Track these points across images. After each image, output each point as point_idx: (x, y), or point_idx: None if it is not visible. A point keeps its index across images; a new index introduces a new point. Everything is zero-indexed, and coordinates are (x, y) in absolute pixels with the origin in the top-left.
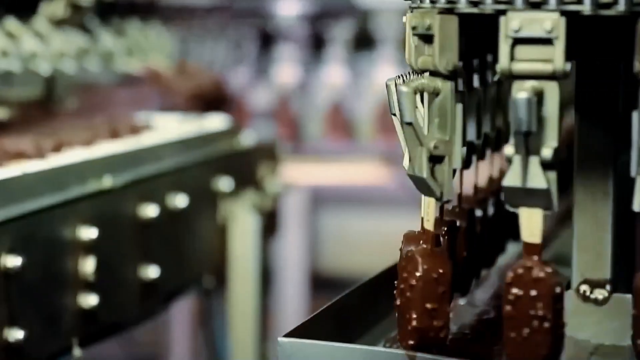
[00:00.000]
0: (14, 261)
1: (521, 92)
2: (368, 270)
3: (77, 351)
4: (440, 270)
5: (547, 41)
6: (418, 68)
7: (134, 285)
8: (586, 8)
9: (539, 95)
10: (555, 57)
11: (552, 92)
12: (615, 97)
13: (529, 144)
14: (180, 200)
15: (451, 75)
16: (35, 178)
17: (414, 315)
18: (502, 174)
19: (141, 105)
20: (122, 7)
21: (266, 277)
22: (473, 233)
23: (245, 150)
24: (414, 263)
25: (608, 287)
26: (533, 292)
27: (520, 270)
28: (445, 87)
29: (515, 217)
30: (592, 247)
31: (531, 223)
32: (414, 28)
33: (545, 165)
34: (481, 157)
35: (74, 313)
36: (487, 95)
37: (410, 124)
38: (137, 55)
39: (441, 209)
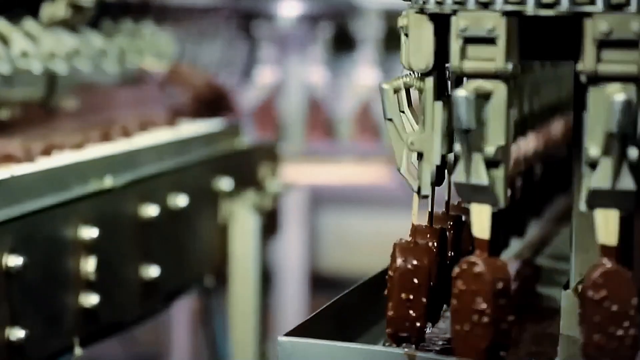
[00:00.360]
0: (15, 261)
1: (460, 91)
2: (368, 270)
3: (78, 350)
4: (416, 262)
5: (490, 40)
6: (409, 67)
7: (135, 285)
8: (529, 8)
9: (487, 95)
10: (497, 57)
11: (498, 91)
12: None
13: (470, 141)
14: (180, 200)
15: (428, 73)
16: (36, 178)
17: (390, 305)
18: None
19: (144, 105)
20: (115, 7)
21: (266, 277)
22: None
23: (245, 150)
24: (393, 255)
25: None
26: (474, 287)
27: (464, 265)
28: (424, 85)
29: (518, 214)
30: (590, 247)
31: (480, 219)
32: (401, 28)
33: (489, 163)
34: None
35: (75, 312)
36: None
37: (390, 120)
38: (134, 56)
39: (447, 204)
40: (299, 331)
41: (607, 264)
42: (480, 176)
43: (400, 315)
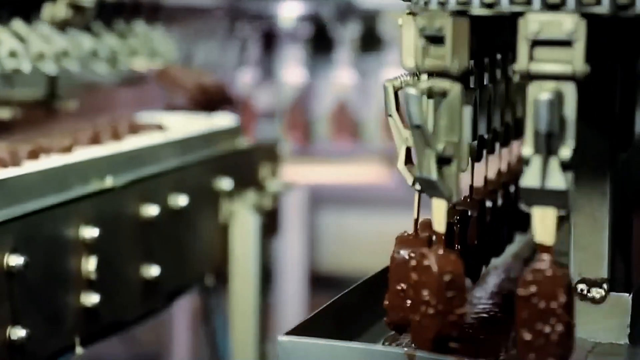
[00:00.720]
0: (16, 260)
1: (410, 88)
2: (367, 269)
3: (78, 350)
4: (411, 254)
5: (440, 40)
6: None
7: (136, 284)
8: (474, 8)
9: (443, 93)
10: (446, 55)
11: (453, 90)
12: (612, 97)
13: (422, 137)
14: (181, 200)
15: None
16: (37, 178)
17: (387, 295)
18: (510, 167)
19: (141, 105)
20: (109, 7)
21: (266, 276)
22: (483, 223)
23: (245, 150)
24: (393, 248)
25: (605, 286)
26: (423, 279)
27: (418, 257)
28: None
29: (521, 210)
30: (589, 246)
31: (437, 213)
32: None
33: (441, 159)
34: (491, 151)
35: (76, 312)
36: (496, 92)
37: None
38: (126, 57)
39: None
40: (299, 330)
41: (541, 262)
42: (430, 171)
43: (395, 304)
